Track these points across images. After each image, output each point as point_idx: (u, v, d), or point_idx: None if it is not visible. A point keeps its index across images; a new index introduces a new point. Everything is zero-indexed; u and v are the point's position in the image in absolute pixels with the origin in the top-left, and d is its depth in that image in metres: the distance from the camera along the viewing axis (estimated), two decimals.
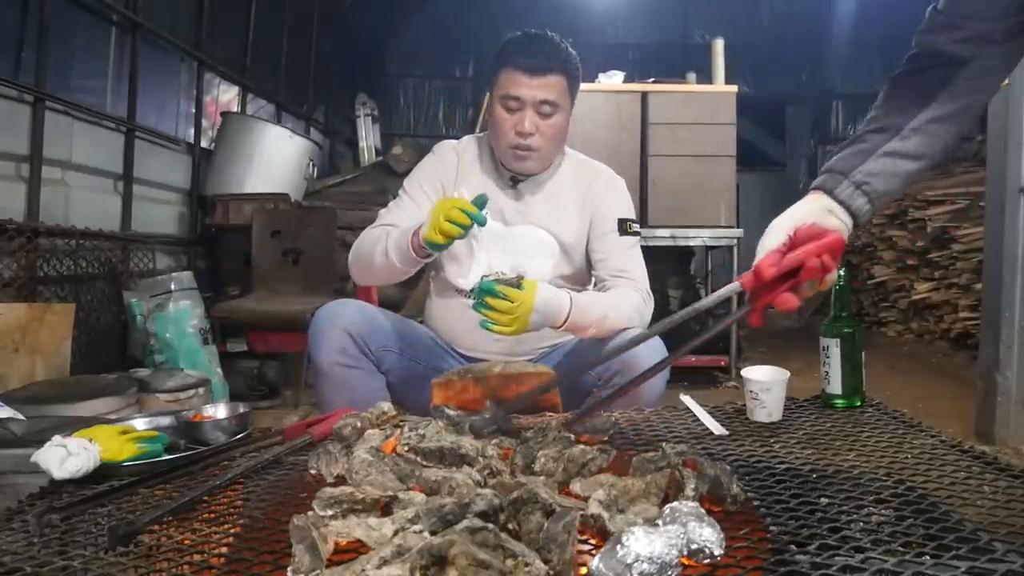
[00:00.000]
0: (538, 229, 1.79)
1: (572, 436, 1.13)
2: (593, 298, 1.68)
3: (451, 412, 1.25)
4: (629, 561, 0.71)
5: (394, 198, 1.86)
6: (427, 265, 1.80)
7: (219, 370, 3.55)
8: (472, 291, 1.75)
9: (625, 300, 1.69)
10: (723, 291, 1.18)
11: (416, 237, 1.58)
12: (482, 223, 1.52)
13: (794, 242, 1.08)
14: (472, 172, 1.83)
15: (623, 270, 1.76)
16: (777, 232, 1.09)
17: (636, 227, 1.82)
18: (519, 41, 1.71)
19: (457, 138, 1.91)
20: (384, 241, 1.67)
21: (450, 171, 1.83)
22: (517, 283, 1.52)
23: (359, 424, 1.22)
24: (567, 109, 1.74)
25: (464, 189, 1.69)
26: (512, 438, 1.16)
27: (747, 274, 1.10)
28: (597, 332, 1.64)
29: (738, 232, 4.05)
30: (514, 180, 1.80)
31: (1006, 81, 1.10)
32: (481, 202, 1.52)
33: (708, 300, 1.19)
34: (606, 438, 1.22)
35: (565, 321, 1.58)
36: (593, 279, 1.85)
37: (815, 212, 1.10)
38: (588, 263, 1.83)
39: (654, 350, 1.59)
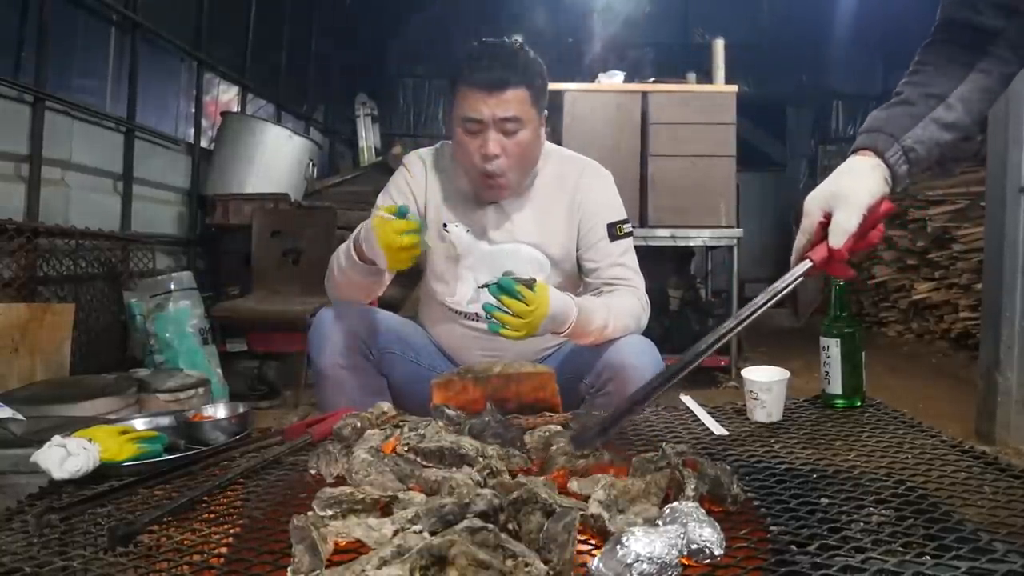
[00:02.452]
0: (525, 246, 1.71)
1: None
2: (595, 305, 1.61)
3: (451, 412, 1.24)
4: (629, 561, 0.71)
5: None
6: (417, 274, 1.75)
7: (219, 370, 3.55)
8: (476, 310, 1.69)
9: (625, 309, 1.64)
10: (796, 271, 1.11)
11: (361, 247, 1.54)
12: (423, 228, 1.45)
13: (867, 221, 1.07)
14: (448, 189, 1.74)
15: (618, 278, 1.71)
16: (856, 212, 1.06)
17: (627, 227, 1.74)
18: (473, 55, 1.60)
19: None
20: (339, 256, 1.63)
21: (420, 186, 1.77)
22: (531, 284, 1.45)
23: (359, 424, 1.22)
24: (534, 121, 1.62)
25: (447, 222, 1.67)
26: (513, 447, 1.13)
27: (819, 251, 1.07)
28: (595, 340, 1.61)
29: (738, 232, 4.05)
30: None
31: None
32: (402, 212, 1.44)
33: (783, 281, 1.11)
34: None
35: (568, 327, 1.54)
36: (584, 285, 1.78)
37: (879, 183, 1.07)
38: (579, 268, 1.77)
39: (642, 348, 1.58)
